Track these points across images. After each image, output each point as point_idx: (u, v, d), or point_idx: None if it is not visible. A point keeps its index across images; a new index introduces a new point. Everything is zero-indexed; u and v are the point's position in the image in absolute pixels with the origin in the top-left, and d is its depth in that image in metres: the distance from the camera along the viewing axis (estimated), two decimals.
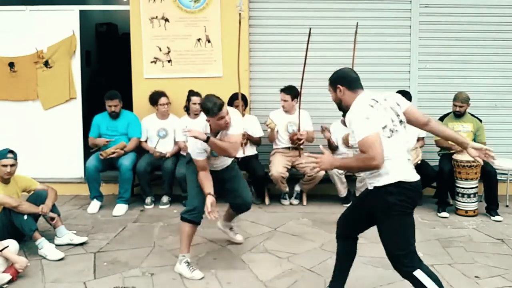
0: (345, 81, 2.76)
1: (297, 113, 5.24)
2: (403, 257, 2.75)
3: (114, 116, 5.34)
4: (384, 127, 2.63)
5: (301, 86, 5.03)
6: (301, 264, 3.72)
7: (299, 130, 5.24)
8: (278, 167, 5.15)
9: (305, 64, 4.91)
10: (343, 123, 5.47)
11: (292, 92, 5.28)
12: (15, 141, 5.10)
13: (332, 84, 2.83)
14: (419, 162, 5.05)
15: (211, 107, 3.37)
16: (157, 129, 5.43)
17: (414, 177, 2.80)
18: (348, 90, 2.75)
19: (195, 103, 5.30)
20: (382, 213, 2.75)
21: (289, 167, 5.27)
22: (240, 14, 4.78)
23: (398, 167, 2.70)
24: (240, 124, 3.67)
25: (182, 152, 5.31)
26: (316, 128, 5.44)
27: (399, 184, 2.69)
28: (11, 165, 3.93)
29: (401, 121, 2.73)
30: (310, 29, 4.90)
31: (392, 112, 2.70)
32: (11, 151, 3.96)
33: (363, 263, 3.74)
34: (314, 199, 5.39)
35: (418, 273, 2.71)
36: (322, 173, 5.08)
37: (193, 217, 3.58)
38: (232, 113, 3.60)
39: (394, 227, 2.72)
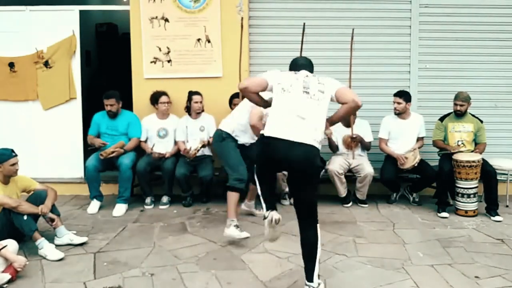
0: (290, 66, 3.38)
1: None
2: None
3: (112, 115, 5.34)
4: (279, 83, 3.12)
5: None
6: (301, 264, 3.69)
7: None
8: None
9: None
10: (344, 123, 5.47)
11: None
12: (15, 141, 5.11)
13: None
14: (417, 162, 5.05)
15: None
16: (157, 129, 5.43)
17: (277, 134, 3.01)
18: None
19: (196, 102, 5.30)
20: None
21: None
22: (241, 17, 4.78)
23: (271, 122, 3.09)
24: None
25: (182, 152, 5.31)
26: None
27: (261, 137, 3.12)
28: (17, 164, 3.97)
29: (306, 92, 3.09)
30: (304, 24, 4.90)
31: (297, 81, 3.12)
32: (13, 150, 3.98)
33: (363, 263, 3.75)
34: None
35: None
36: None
37: (242, 186, 4.23)
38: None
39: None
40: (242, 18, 4.79)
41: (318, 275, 3.13)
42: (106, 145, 5.22)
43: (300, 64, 3.32)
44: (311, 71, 3.30)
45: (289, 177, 3.37)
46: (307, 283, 3.11)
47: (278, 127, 3.02)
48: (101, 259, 3.84)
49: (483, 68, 5.79)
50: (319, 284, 3.11)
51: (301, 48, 4.88)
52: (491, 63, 5.79)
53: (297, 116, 3.02)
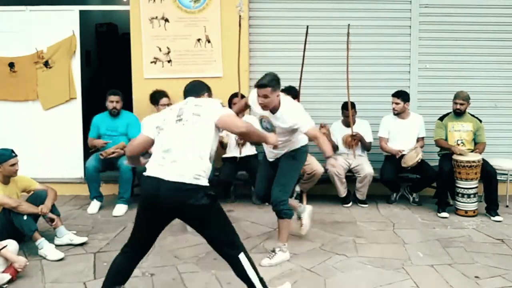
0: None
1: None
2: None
3: (115, 113, 5.33)
4: (157, 126, 2.88)
5: (300, 85, 5.02)
6: (301, 264, 3.72)
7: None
8: None
9: (303, 62, 4.91)
10: (343, 123, 5.48)
11: (291, 92, 5.27)
12: (15, 141, 5.10)
13: None
14: (419, 161, 5.05)
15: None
16: None
17: (153, 173, 2.76)
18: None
19: None
20: None
21: None
22: (240, 15, 4.78)
23: (151, 162, 2.82)
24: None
25: None
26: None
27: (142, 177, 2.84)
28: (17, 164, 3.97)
29: (179, 120, 2.81)
30: (308, 27, 4.89)
31: (171, 112, 2.89)
32: (13, 150, 3.98)
33: (363, 263, 3.75)
34: (314, 199, 5.38)
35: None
36: (321, 171, 5.09)
37: (258, 202, 4.38)
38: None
39: None
40: (240, 17, 4.78)
41: None
42: (108, 144, 5.21)
43: (186, 91, 3.06)
44: (197, 94, 3.01)
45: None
46: None
47: (149, 165, 2.82)
48: (101, 259, 3.84)
49: (483, 68, 5.79)
50: None
51: (304, 51, 4.86)
52: (491, 63, 5.79)
53: (163, 152, 2.75)
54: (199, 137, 2.76)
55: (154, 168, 2.76)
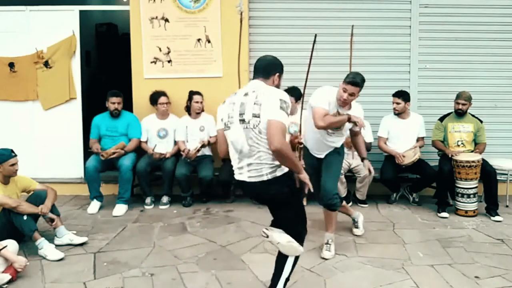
0: None
1: (299, 113, 5.23)
2: None
3: (116, 114, 5.33)
4: (221, 119, 2.90)
5: (304, 89, 5.00)
6: (301, 264, 3.71)
7: (300, 130, 5.23)
8: None
9: (309, 69, 4.86)
10: None
11: (295, 94, 5.27)
12: (15, 141, 5.11)
13: None
14: (417, 159, 5.06)
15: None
16: (157, 129, 5.43)
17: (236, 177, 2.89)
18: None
19: (197, 102, 5.31)
20: None
21: None
22: (241, 14, 4.77)
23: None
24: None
25: (181, 153, 5.31)
26: None
27: None
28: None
29: (242, 120, 2.73)
30: (316, 35, 4.85)
31: (234, 108, 2.79)
32: (12, 150, 3.98)
33: (363, 263, 3.75)
34: (314, 199, 5.37)
35: None
36: None
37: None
38: None
39: None
40: (241, 13, 4.76)
41: None
42: (104, 149, 5.20)
43: (255, 68, 2.87)
44: (266, 75, 2.82)
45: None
46: None
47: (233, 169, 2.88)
48: (101, 259, 3.84)
49: (483, 68, 5.79)
50: None
51: (311, 58, 4.81)
52: (491, 63, 5.79)
53: (237, 153, 2.79)
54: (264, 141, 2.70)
55: (236, 172, 2.87)
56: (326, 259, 3.81)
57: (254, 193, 2.91)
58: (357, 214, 4.47)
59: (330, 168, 3.91)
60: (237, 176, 2.87)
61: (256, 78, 2.85)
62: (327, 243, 3.93)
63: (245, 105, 2.73)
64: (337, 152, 3.99)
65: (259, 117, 2.66)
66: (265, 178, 2.74)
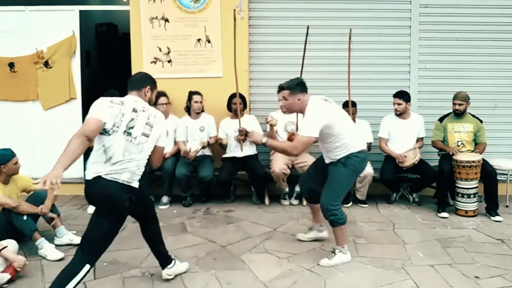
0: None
1: (295, 113, 5.24)
2: None
3: None
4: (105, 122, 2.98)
5: None
6: (301, 264, 3.72)
7: (297, 129, 5.24)
8: (280, 164, 5.15)
9: (303, 63, 4.90)
10: None
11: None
12: (15, 141, 5.10)
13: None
14: (417, 160, 5.06)
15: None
16: None
17: None
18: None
19: (197, 102, 5.31)
20: None
21: (290, 165, 5.27)
22: (235, 11, 4.76)
23: None
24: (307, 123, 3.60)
25: (182, 153, 5.31)
26: None
27: None
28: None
29: (128, 133, 2.96)
30: (308, 27, 4.89)
31: (119, 117, 2.98)
32: (11, 149, 4.00)
33: (363, 263, 3.75)
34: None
35: None
36: None
37: None
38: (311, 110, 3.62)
39: None
40: (235, 14, 4.76)
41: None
42: None
43: (129, 82, 3.15)
44: (139, 88, 3.10)
45: None
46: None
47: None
48: (101, 259, 3.79)
49: (483, 68, 5.80)
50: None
51: (304, 51, 4.86)
52: (491, 63, 5.79)
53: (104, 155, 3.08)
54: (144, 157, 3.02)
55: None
56: (320, 265, 3.67)
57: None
58: (323, 227, 4.15)
59: (328, 181, 3.71)
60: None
61: (130, 92, 3.08)
62: (332, 252, 3.78)
63: (135, 121, 2.93)
64: (342, 164, 3.66)
65: (148, 137, 2.99)
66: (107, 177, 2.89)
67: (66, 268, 2.87)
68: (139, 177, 3.01)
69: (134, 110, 2.94)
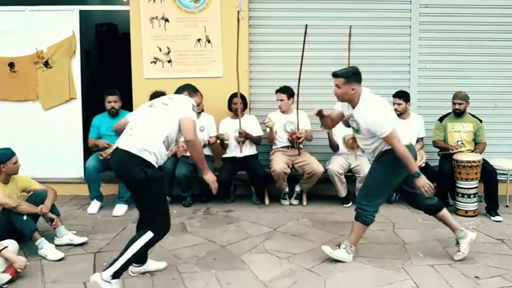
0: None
1: (294, 112, 5.25)
2: None
3: (114, 113, 5.32)
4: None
5: (299, 84, 5.02)
6: (301, 264, 3.72)
7: (297, 129, 5.24)
8: (280, 163, 5.15)
9: (302, 61, 4.90)
10: (344, 123, 5.46)
11: (287, 91, 5.31)
12: (15, 141, 5.09)
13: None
14: (422, 165, 5.01)
15: None
16: None
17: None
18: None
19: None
20: None
21: (290, 165, 5.27)
22: (238, 13, 4.77)
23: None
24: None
25: (183, 153, 5.30)
26: (315, 128, 5.43)
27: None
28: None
29: (150, 105, 3.35)
30: (306, 25, 4.89)
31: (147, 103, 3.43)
32: (10, 148, 4.00)
33: (363, 263, 3.75)
34: (314, 199, 5.39)
35: None
36: (321, 170, 5.10)
37: None
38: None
39: None
40: (238, 13, 4.77)
41: (113, 274, 3.07)
42: (110, 145, 5.21)
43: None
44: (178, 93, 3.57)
45: None
46: (101, 273, 3.11)
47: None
48: (101, 259, 3.84)
49: (483, 68, 5.79)
50: (105, 281, 3.05)
51: (303, 50, 4.87)
52: (491, 63, 5.79)
53: (129, 128, 3.24)
54: (160, 120, 3.19)
55: (118, 141, 3.24)
56: (323, 251, 3.72)
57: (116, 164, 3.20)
58: (463, 233, 3.81)
59: (366, 177, 3.85)
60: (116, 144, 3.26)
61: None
62: (338, 245, 3.75)
63: (157, 100, 3.39)
64: (378, 160, 3.64)
65: (167, 105, 3.30)
66: (131, 150, 3.09)
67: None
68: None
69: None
